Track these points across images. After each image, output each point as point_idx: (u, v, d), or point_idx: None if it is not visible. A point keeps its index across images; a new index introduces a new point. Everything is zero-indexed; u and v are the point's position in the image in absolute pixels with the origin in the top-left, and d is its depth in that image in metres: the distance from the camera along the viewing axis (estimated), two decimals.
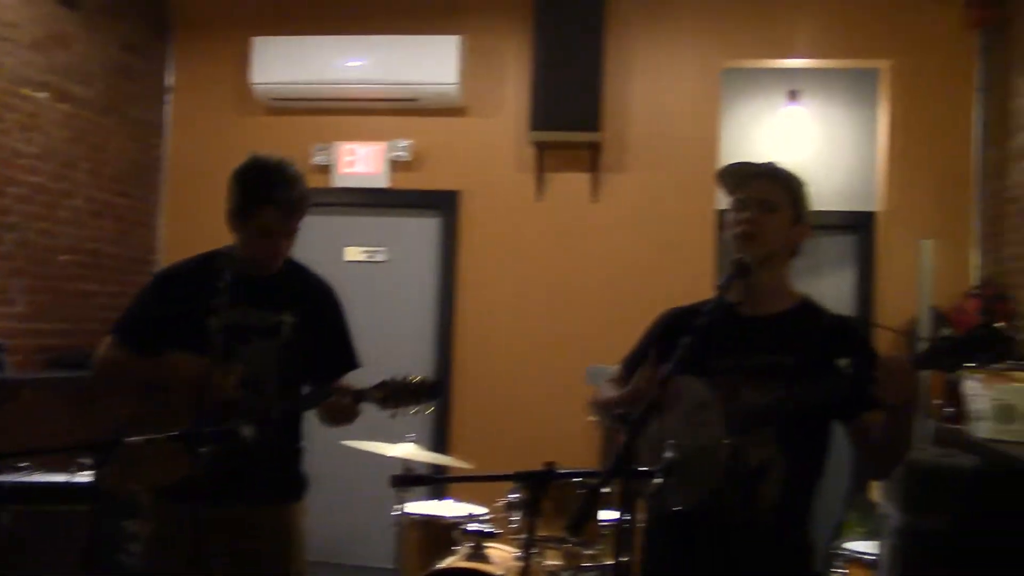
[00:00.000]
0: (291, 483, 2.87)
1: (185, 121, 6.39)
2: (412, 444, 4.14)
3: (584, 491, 3.79)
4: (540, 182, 5.97)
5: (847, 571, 4.25)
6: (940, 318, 5.06)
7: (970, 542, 3.46)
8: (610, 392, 2.42)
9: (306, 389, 2.90)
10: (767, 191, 2.31)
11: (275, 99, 6.09)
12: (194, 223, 6.04)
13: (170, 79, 6.40)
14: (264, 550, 2.75)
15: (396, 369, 2.75)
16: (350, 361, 2.93)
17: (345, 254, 6.23)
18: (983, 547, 3.50)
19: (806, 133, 6.33)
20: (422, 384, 2.69)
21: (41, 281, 5.29)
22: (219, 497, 2.60)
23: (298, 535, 2.83)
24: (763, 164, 2.36)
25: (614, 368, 2.59)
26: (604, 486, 1.86)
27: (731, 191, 2.37)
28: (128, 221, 6.08)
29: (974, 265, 5.37)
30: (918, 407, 2.05)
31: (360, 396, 2.70)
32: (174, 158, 6.39)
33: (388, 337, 5.94)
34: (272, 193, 2.67)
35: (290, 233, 2.75)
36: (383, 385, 2.70)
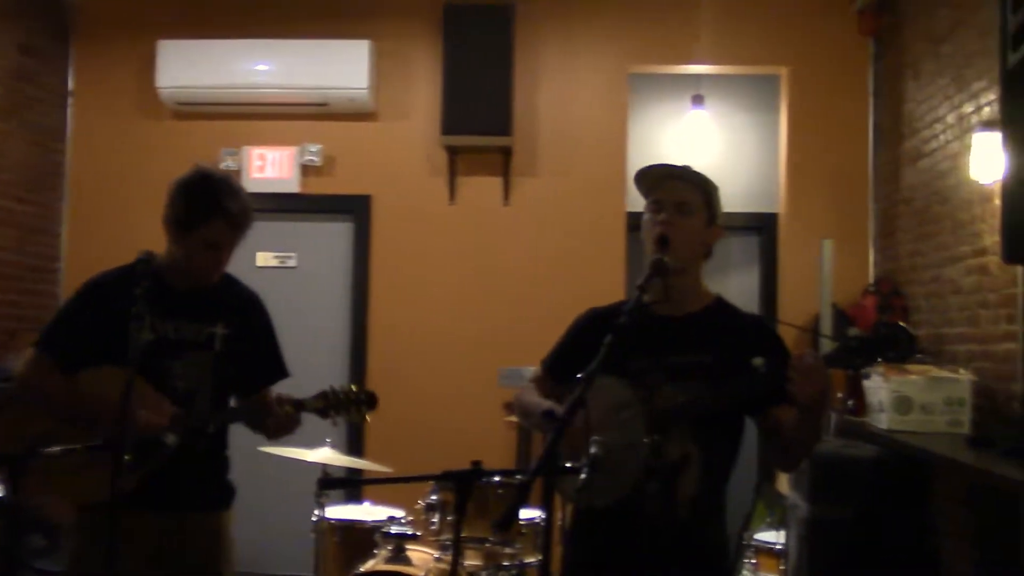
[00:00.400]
0: (219, 491, 2.86)
1: (88, 126, 6.22)
2: (329, 449, 4.13)
3: (508, 490, 3.86)
4: (452, 186, 6.00)
5: (756, 561, 4.38)
6: (841, 315, 5.26)
7: (872, 528, 3.62)
8: (533, 397, 2.47)
9: (233, 399, 2.89)
10: (684, 193, 2.38)
11: (181, 103, 5.98)
12: (98, 230, 5.92)
13: (71, 83, 6.23)
14: (195, 558, 2.73)
15: (308, 374, 2.85)
16: (280, 370, 2.95)
17: (256, 259, 6.15)
18: (884, 532, 3.67)
19: (710, 137, 6.51)
20: (361, 393, 2.79)
21: None
22: (147, 506, 2.59)
23: (228, 542, 2.83)
24: (679, 167, 2.44)
25: (531, 369, 2.64)
26: (531, 483, 1.90)
27: (647, 193, 2.44)
28: (29, 228, 5.90)
29: (871, 263, 5.60)
30: (828, 403, 2.14)
31: (301, 406, 2.74)
32: (77, 164, 6.22)
33: (301, 342, 5.83)
34: (222, 206, 2.65)
35: (232, 247, 2.74)
36: (323, 395, 2.76)
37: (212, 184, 2.69)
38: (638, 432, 2.17)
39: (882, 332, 2.07)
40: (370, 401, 2.80)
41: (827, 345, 3.99)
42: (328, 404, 2.75)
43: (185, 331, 2.73)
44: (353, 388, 2.79)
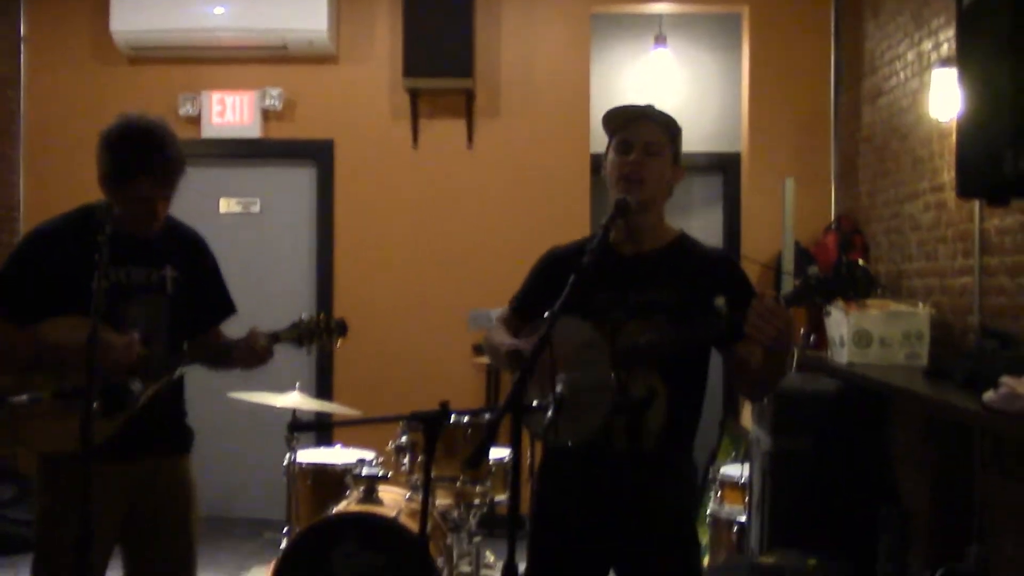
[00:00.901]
0: (179, 435, 2.87)
1: (41, 72, 6.10)
2: (298, 393, 4.15)
3: (477, 430, 3.91)
4: (415, 129, 5.97)
5: (721, 493, 4.48)
6: (803, 253, 5.34)
7: (832, 460, 3.71)
8: (501, 337, 2.50)
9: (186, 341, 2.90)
10: (650, 133, 2.39)
11: (136, 48, 5.87)
12: (56, 178, 5.83)
13: (23, 28, 6.09)
14: (161, 502, 2.76)
15: (276, 320, 2.86)
16: (228, 307, 2.98)
17: (220, 206, 6.11)
18: (844, 464, 3.77)
19: (673, 77, 6.51)
20: (331, 320, 2.87)
21: None
22: (115, 455, 2.59)
23: (194, 486, 2.85)
24: (645, 107, 2.44)
25: (499, 310, 2.66)
26: (498, 422, 1.93)
27: (614, 132, 2.45)
28: None
29: (832, 202, 5.66)
30: (789, 342, 2.18)
31: (275, 338, 2.78)
32: (31, 111, 6.10)
33: (267, 288, 5.89)
34: (146, 162, 2.60)
35: (167, 197, 2.71)
36: (296, 325, 2.83)
37: (136, 139, 2.62)
38: (603, 370, 2.21)
39: (842, 271, 2.11)
40: (341, 328, 2.88)
41: (789, 283, 4.06)
42: (301, 333, 2.82)
43: (136, 276, 2.72)
44: (324, 316, 2.88)
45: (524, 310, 2.53)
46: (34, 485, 2.79)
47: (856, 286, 2.08)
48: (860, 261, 2.13)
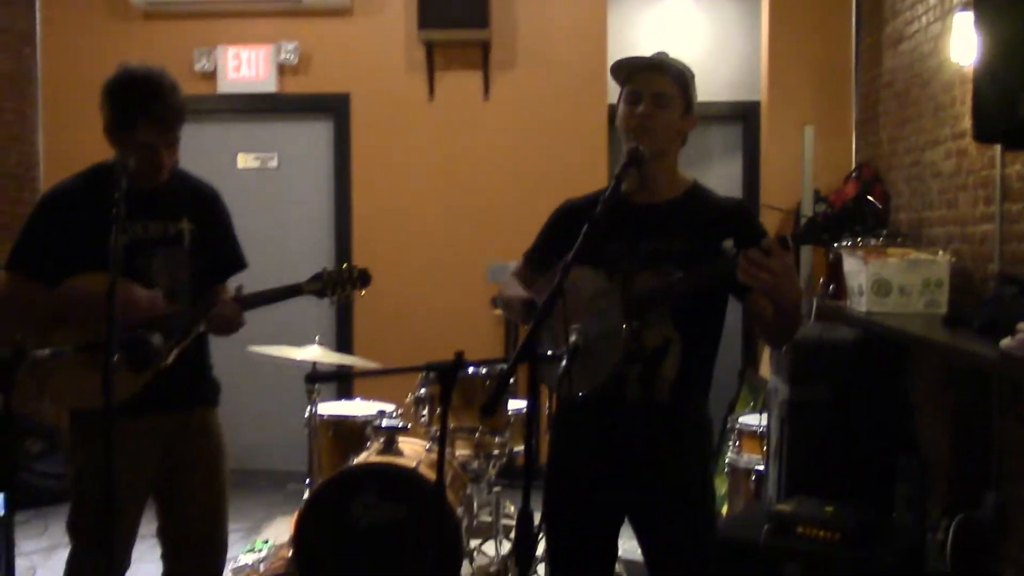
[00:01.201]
0: (205, 388, 2.92)
1: (57, 29, 6.10)
2: (318, 347, 4.18)
3: (495, 379, 3.93)
4: (431, 82, 5.94)
5: (739, 443, 4.50)
6: (822, 201, 5.29)
7: (850, 409, 3.71)
8: (515, 290, 2.51)
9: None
10: (660, 84, 2.36)
11: (151, 3, 5.87)
12: (75, 135, 5.82)
13: None
14: (191, 454, 2.81)
15: (295, 274, 2.86)
16: (239, 262, 2.99)
17: (237, 161, 6.12)
18: (863, 412, 3.76)
19: (692, 25, 6.41)
20: (353, 270, 2.85)
21: None
22: (147, 409, 2.64)
23: (222, 437, 2.90)
24: (654, 57, 2.42)
25: (515, 263, 2.67)
26: (512, 371, 1.95)
27: (622, 83, 2.43)
28: (4, 136, 5.83)
29: (853, 150, 5.59)
30: (794, 288, 2.14)
31: (298, 291, 2.79)
32: (48, 69, 6.12)
33: (285, 243, 5.92)
34: (146, 108, 2.61)
35: (171, 144, 2.71)
36: (318, 277, 2.83)
37: (135, 87, 2.64)
38: (616, 319, 2.21)
39: (849, 207, 2.09)
40: (363, 277, 2.87)
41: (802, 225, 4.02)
42: (324, 284, 2.82)
43: (153, 230, 2.74)
44: (345, 266, 2.86)
45: (539, 262, 2.54)
46: (65, 440, 2.85)
47: (864, 220, 2.07)
48: (869, 197, 2.11)
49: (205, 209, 2.88)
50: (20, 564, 4.33)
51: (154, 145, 2.65)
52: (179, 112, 2.68)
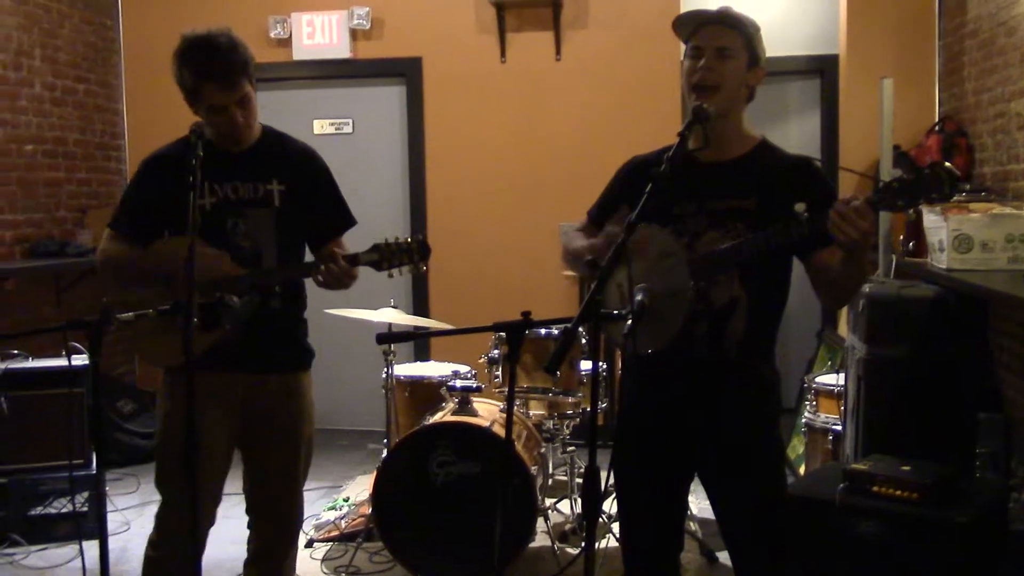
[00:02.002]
0: (296, 352, 2.96)
1: (138, 1, 6.24)
2: (393, 309, 4.25)
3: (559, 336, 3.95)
4: (503, 43, 5.93)
5: (816, 403, 4.45)
6: (903, 157, 5.16)
7: (929, 366, 3.64)
8: (580, 242, 2.51)
9: (305, 255, 2.97)
10: (721, 38, 2.33)
11: None
12: (158, 104, 5.95)
13: None
14: (273, 415, 2.86)
15: (374, 238, 2.82)
16: (344, 220, 2.99)
17: (313, 127, 6.21)
18: (943, 370, 3.68)
19: None
20: (413, 243, 2.78)
21: (8, 172, 5.28)
22: (228, 367, 2.73)
23: (307, 403, 2.94)
24: (716, 11, 2.38)
25: (581, 220, 2.67)
26: (576, 329, 1.97)
27: (686, 39, 2.40)
28: (90, 107, 6.02)
29: (936, 103, 5.43)
30: (869, 246, 2.13)
31: (355, 260, 2.75)
32: (129, 39, 6.28)
33: (362, 208, 5.88)
34: (206, 68, 2.64)
35: (243, 101, 2.71)
36: (376, 248, 2.77)
37: (192, 50, 2.67)
38: (682, 278, 2.20)
39: (924, 172, 2.04)
40: (422, 250, 2.79)
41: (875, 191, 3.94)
42: (382, 256, 2.76)
43: (243, 191, 2.79)
44: (406, 239, 2.79)
45: (603, 219, 2.53)
46: (155, 398, 2.95)
47: (940, 187, 2.01)
48: (946, 163, 2.05)
49: (298, 170, 2.88)
50: (114, 519, 4.53)
51: (224, 105, 2.68)
52: (239, 67, 2.67)
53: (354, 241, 2.92)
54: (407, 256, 2.78)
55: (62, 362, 4.43)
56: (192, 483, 2.31)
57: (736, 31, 2.34)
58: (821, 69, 6.21)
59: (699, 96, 2.29)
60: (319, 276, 2.74)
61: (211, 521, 2.87)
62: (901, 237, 4.79)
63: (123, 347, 6.12)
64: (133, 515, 4.65)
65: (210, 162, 2.56)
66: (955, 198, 3.85)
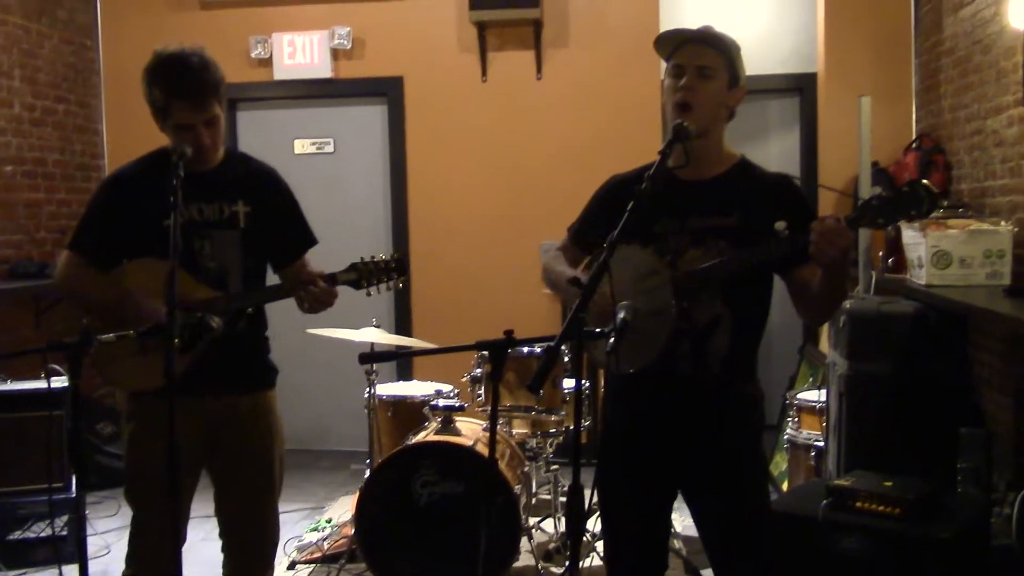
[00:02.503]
0: (262, 371, 2.94)
1: (117, 21, 6.24)
2: (376, 328, 4.24)
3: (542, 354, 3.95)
4: (484, 62, 5.95)
5: (798, 419, 4.47)
6: (881, 174, 5.20)
7: (910, 382, 3.66)
8: (560, 267, 2.52)
9: (269, 276, 2.95)
10: (703, 57, 2.34)
11: None
12: (137, 124, 5.84)
13: None
14: (242, 436, 2.84)
15: (353, 257, 2.82)
16: (307, 239, 2.98)
17: (295, 147, 6.20)
18: (923, 385, 3.71)
19: None
20: (391, 260, 2.79)
21: None
22: (196, 391, 2.66)
23: (276, 420, 2.92)
24: (697, 30, 2.40)
25: (561, 239, 2.67)
26: (559, 348, 1.97)
27: (667, 58, 2.41)
28: (70, 127, 5.99)
29: (913, 120, 5.49)
30: (849, 263, 2.16)
31: (333, 280, 2.75)
32: (109, 60, 6.26)
33: (344, 227, 5.99)
34: (175, 87, 2.62)
35: (210, 122, 2.69)
36: (354, 267, 2.78)
37: (162, 67, 2.65)
38: (664, 297, 2.21)
39: (903, 190, 2.06)
40: (400, 268, 2.80)
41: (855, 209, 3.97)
42: (360, 275, 2.77)
43: (208, 212, 2.77)
44: (383, 257, 2.80)
45: (583, 238, 2.54)
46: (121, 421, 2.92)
47: (919, 205, 2.04)
48: (924, 181, 2.07)
49: (262, 191, 2.87)
50: (94, 543, 4.49)
51: (191, 125, 2.65)
52: (209, 87, 2.65)
53: (335, 261, 2.92)
54: (385, 274, 2.79)
55: (41, 384, 4.39)
56: (174, 509, 2.29)
57: (717, 50, 2.36)
58: (800, 87, 6.26)
59: (680, 115, 2.30)
60: (302, 299, 2.73)
61: (181, 540, 2.84)
62: (881, 253, 4.83)
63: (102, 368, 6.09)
64: (113, 538, 4.61)
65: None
66: (933, 214, 3.90)
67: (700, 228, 2.34)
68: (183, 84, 2.62)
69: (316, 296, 2.72)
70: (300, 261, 2.93)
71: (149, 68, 2.68)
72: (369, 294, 2.81)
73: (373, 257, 2.79)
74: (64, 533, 4.34)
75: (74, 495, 4.28)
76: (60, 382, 3.99)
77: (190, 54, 2.66)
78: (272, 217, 2.87)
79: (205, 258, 2.76)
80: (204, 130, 2.68)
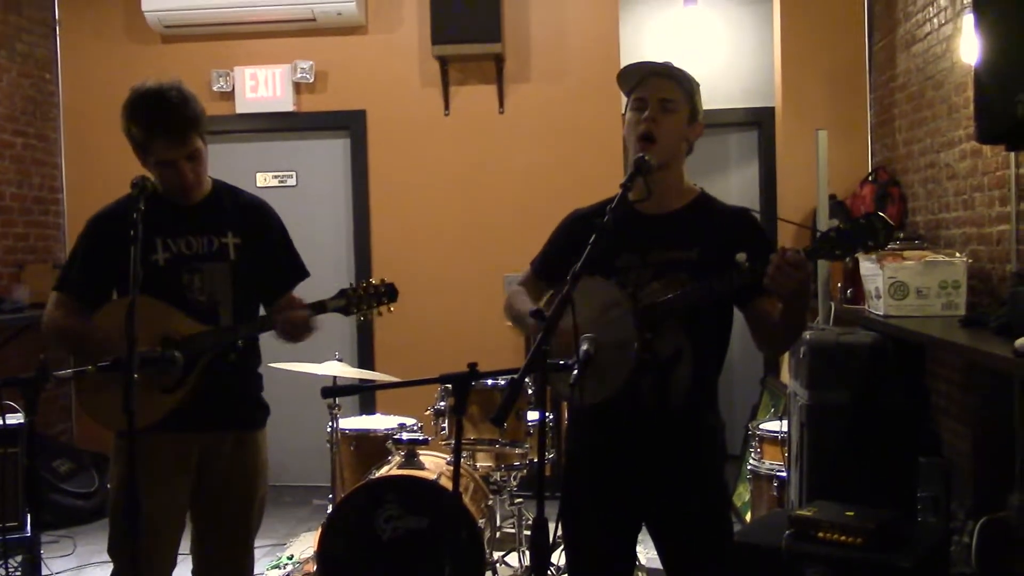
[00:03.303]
0: (254, 408, 2.91)
1: (77, 54, 6.21)
2: (338, 362, 4.22)
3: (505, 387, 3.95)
4: (446, 96, 5.99)
5: (760, 449, 4.49)
6: (839, 206, 5.28)
7: (870, 412, 3.70)
8: (523, 300, 2.53)
9: (260, 308, 2.93)
10: (666, 90, 2.38)
11: (169, 26, 5.94)
12: (97, 158, 5.94)
13: (57, 11, 6.19)
14: (227, 475, 2.80)
15: (318, 291, 2.82)
16: (298, 271, 2.97)
17: (256, 180, 6.19)
18: (883, 415, 3.75)
19: (704, 34, 6.42)
20: (380, 286, 2.80)
21: None
22: (184, 427, 2.66)
23: (262, 460, 2.89)
24: (660, 64, 2.43)
25: (523, 272, 2.68)
26: (522, 380, 1.97)
27: (630, 91, 2.44)
28: (28, 161, 5.93)
29: (869, 153, 5.59)
30: (808, 295, 2.19)
31: (322, 308, 2.74)
32: (69, 93, 6.22)
33: (307, 260, 5.90)
34: (156, 123, 2.60)
35: (192, 156, 2.68)
36: (343, 294, 2.77)
37: (141, 104, 2.63)
38: (628, 330, 2.22)
39: (860, 223, 2.10)
40: (390, 292, 2.81)
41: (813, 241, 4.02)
42: (349, 301, 2.76)
43: (196, 245, 2.75)
44: (372, 282, 2.80)
45: (546, 272, 2.56)
46: (93, 458, 2.86)
47: (875, 237, 2.08)
48: (880, 213, 2.11)
49: (251, 222, 2.86)
50: None
51: (173, 160, 2.64)
52: (189, 122, 2.64)
53: (299, 294, 2.90)
54: (375, 299, 2.78)
55: None
56: (134, 549, 2.25)
57: (679, 85, 2.39)
58: (758, 121, 6.36)
59: (643, 147, 2.32)
60: (280, 328, 2.71)
61: None
62: (839, 284, 4.89)
63: (61, 406, 5.99)
64: None
65: (162, 217, 2.53)
66: (890, 246, 3.96)
67: (661, 261, 2.36)
68: (162, 120, 2.60)
69: (292, 321, 2.70)
70: (289, 295, 2.90)
71: (127, 104, 2.66)
72: (358, 320, 2.82)
73: (363, 283, 2.79)
74: (18, 573, 4.24)
75: (29, 534, 4.19)
76: (16, 419, 3.91)
77: (168, 88, 2.64)
78: (262, 249, 2.86)
79: (195, 292, 2.74)
80: (186, 164, 2.67)
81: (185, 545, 2.85)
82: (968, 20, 3.91)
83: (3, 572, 4.17)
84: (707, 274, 2.27)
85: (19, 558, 4.27)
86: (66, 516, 5.28)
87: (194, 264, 2.74)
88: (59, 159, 6.23)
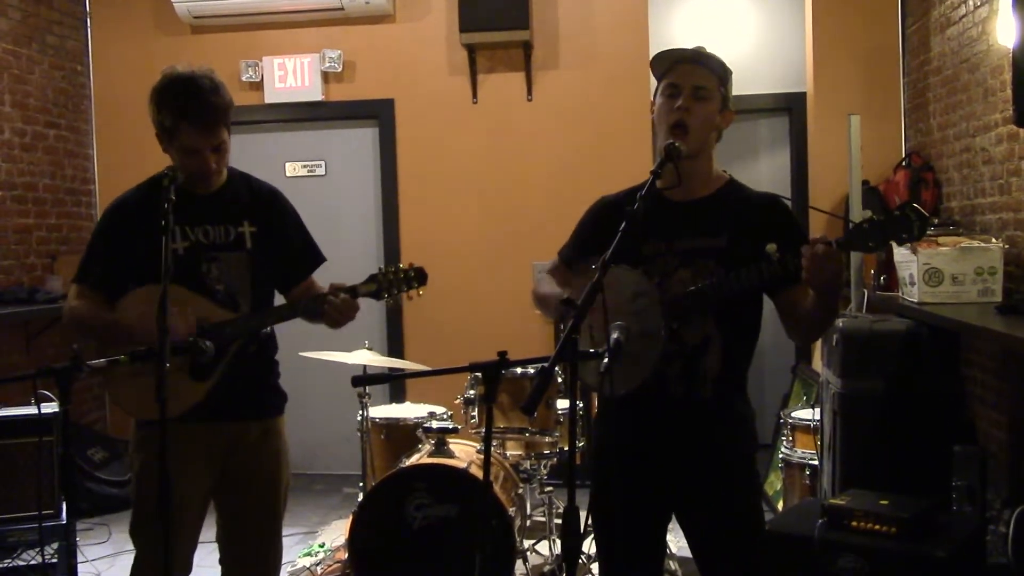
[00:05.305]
0: (272, 397, 2.91)
1: (107, 46, 6.25)
2: (368, 351, 4.23)
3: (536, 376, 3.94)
4: (474, 84, 5.97)
5: (792, 438, 4.46)
6: (872, 192, 5.22)
7: (903, 400, 3.66)
8: (547, 288, 2.52)
9: (277, 295, 2.93)
10: (699, 77, 2.35)
11: (198, 17, 5.97)
12: (128, 149, 5.98)
13: (88, 3, 6.23)
14: (250, 463, 2.81)
15: (347, 280, 2.78)
16: (315, 257, 2.97)
17: (286, 170, 6.21)
18: (917, 403, 3.71)
19: (736, 18, 6.35)
20: (410, 269, 2.78)
21: None
22: (207, 417, 2.66)
23: (284, 447, 2.90)
24: (693, 50, 2.40)
25: (552, 261, 2.67)
26: (552, 369, 1.95)
27: (662, 77, 2.42)
28: (61, 152, 5.98)
29: (903, 138, 5.51)
30: (841, 285, 2.15)
31: (354, 292, 2.72)
32: (100, 85, 6.27)
33: (335, 249, 5.92)
34: (184, 110, 2.59)
35: (217, 148, 2.67)
36: (373, 278, 2.75)
37: (172, 89, 2.62)
38: (655, 318, 2.20)
39: (895, 215, 2.06)
40: (420, 276, 2.79)
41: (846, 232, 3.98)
42: (380, 285, 2.75)
43: (214, 234, 2.75)
44: (401, 266, 2.79)
45: (574, 260, 2.54)
46: (128, 446, 2.88)
47: (910, 229, 2.04)
48: (915, 204, 2.06)
49: (267, 211, 2.85)
50: (84, 570, 4.45)
51: (198, 149, 2.64)
52: (218, 112, 2.63)
53: (327, 284, 2.89)
54: (405, 283, 2.77)
55: (31, 410, 4.35)
56: (166, 538, 2.26)
57: (712, 71, 2.37)
58: (789, 107, 6.29)
59: (674, 135, 2.30)
60: (328, 313, 2.70)
61: (188, 570, 2.82)
62: (872, 271, 4.84)
63: (95, 395, 6.06)
64: (104, 566, 4.57)
65: (179, 206, 2.52)
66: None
67: (689, 249, 2.34)
68: (193, 107, 2.59)
69: (338, 307, 2.69)
70: (308, 281, 2.91)
71: (158, 88, 2.65)
72: (388, 304, 2.82)
73: (392, 267, 2.78)
74: (54, 560, 4.29)
75: (64, 522, 4.24)
76: (50, 408, 3.95)
77: (200, 76, 2.63)
78: (278, 236, 2.85)
79: (213, 280, 2.74)
80: (211, 155, 2.67)
81: (209, 533, 2.87)
82: (1005, 1, 3.84)
83: (40, 560, 4.23)
84: (735, 261, 2.25)
85: (55, 545, 4.32)
86: (101, 504, 5.34)
87: (212, 253, 2.74)
88: (91, 150, 6.28)
